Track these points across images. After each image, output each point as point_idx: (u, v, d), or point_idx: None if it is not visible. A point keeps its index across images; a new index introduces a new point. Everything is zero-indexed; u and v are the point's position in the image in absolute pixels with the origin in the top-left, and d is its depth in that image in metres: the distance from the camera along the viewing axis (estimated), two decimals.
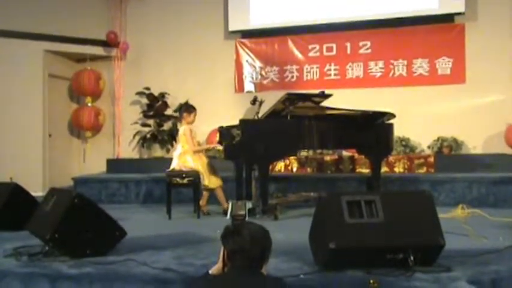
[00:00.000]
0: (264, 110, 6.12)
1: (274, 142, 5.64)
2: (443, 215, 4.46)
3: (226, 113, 8.26)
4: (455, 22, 8.34)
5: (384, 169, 7.39)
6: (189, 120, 6.26)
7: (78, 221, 3.79)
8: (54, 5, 8.98)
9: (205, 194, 6.25)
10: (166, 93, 9.21)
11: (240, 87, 9.27)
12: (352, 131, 6.20)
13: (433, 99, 8.32)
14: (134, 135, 9.40)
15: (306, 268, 3.38)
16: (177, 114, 9.04)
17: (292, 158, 7.75)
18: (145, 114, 9.35)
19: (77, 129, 9.80)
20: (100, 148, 9.75)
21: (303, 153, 7.85)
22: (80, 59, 9.60)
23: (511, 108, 7.94)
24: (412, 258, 3.20)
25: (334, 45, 8.85)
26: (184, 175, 5.96)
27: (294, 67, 9.02)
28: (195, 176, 5.95)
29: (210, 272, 2.65)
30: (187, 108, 6.41)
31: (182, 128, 6.27)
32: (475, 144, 8.15)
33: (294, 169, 7.97)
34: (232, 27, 9.14)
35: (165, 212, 6.00)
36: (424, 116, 8.26)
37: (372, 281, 3.00)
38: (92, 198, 4.32)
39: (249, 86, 9.24)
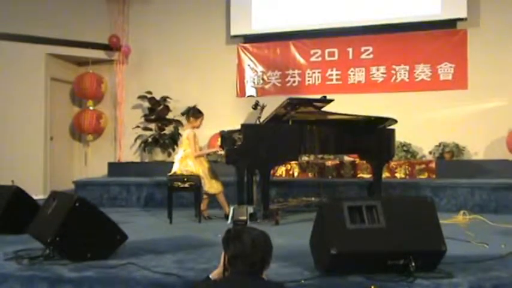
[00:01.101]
0: (266, 114, 6.12)
1: (276, 147, 5.64)
2: (444, 220, 4.47)
3: (227, 118, 8.28)
4: (458, 28, 8.34)
5: (385, 174, 7.38)
6: (195, 125, 6.26)
7: (79, 224, 3.79)
8: (57, 8, 9.01)
9: (205, 198, 6.24)
10: (168, 97, 9.22)
11: (241, 92, 9.28)
12: (353, 136, 6.20)
13: (435, 104, 8.32)
14: (136, 139, 9.40)
15: (306, 273, 3.37)
16: (178, 118, 9.08)
17: (293, 162, 7.75)
18: (147, 118, 9.36)
19: (79, 132, 9.82)
20: (101, 152, 9.76)
21: (304, 158, 7.85)
22: (82, 62, 9.63)
23: None
24: (413, 264, 3.19)
25: (336, 50, 8.86)
26: (185, 179, 5.95)
27: (296, 72, 9.03)
28: (196, 180, 5.94)
29: (211, 276, 2.65)
30: (194, 112, 6.39)
31: (186, 132, 6.26)
32: (477, 150, 8.14)
33: (295, 174, 7.97)
34: (234, 31, 9.16)
35: (166, 216, 5.99)
36: (425, 121, 8.26)
37: (372, 287, 3.00)
38: (93, 201, 4.32)
39: (250, 90, 9.25)
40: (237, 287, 2.38)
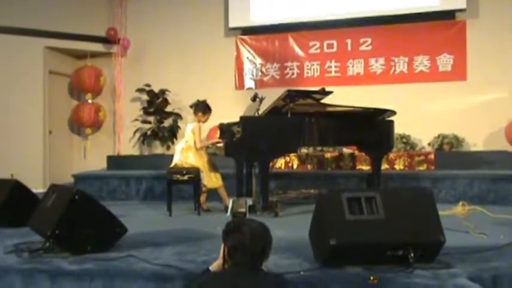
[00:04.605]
0: (265, 107, 6.12)
1: (275, 139, 5.64)
2: (443, 212, 4.48)
3: (226, 110, 8.23)
4: (457, 19, 8.33)
5: (385, 166, 7.39)
6: (202, 120, 6.27)
7: (79, 217, 3.79)
8: (55, 1, 8.98)
9: (205, 191, 6.24)
10: (166, 90, 9.21)
11: (240, 84, 9.27)
12: (352, 128, 6.18)
13: (434, 96, 8.32)
14: (135, 132, 9.40)
15: (306, 265, 3.38)
16: (177, 110, 9.08)
17: (292, 155, 7.75)
18: (146, 111, 9.35)
19: (78, 126, 9.81)
20: (100, 145, 9.76)
21: (304, 150, 7.85)
22: (81, 55, 9.61)
23: (511, 105, 7.93)
24: (412, 254, 3.20)
25: (334, 42, 8.85)
26: (185, 172, 5.96)
27: (295, 64, 9.01)
28: (195, 173, 5.94)
29: (211, 268, 2.66)
30: (204, 108, 6.38)
31: (192, 124, 6.24)
32: (476, 141, 8.15)
33: (295, 166, 7.98)
34: (232, 23, 9.13)
35: (166, 209, 6.00)
36: (424, 113, 8.26)
37: (371, 277, 3.01)
38: (92, 195, 4.32)
39: (249, 83, 9.24)
40: (236, 278, 2.39)
